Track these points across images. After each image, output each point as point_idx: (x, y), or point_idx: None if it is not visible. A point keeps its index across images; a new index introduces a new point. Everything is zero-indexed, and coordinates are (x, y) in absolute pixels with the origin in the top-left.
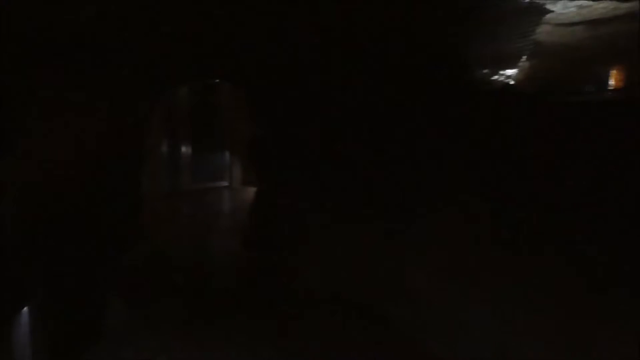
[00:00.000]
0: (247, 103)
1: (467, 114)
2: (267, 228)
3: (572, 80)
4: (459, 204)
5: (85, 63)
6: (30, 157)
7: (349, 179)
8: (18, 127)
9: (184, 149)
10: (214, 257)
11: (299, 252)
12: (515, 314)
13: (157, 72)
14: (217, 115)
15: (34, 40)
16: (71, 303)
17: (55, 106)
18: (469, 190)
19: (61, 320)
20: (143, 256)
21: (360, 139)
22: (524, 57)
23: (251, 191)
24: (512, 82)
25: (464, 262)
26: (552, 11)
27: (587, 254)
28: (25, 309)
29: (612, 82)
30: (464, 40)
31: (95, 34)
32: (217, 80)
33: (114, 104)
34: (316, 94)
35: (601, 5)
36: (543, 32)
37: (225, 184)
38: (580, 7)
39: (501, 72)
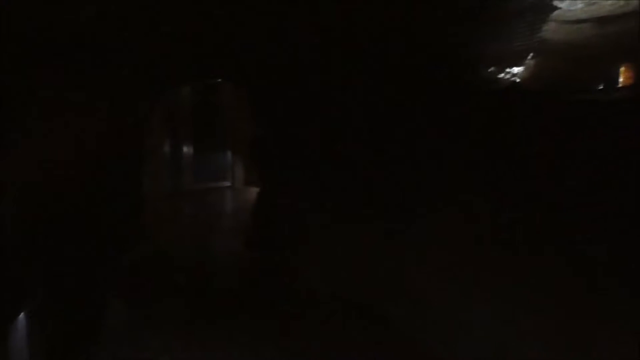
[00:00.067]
0: (247, 103)
1: (470, 113)
2: (269, 228)
3: (578, 79)
4: (459, 203)
5: (85, 63)
6: (30, 157)
7: (349, 179)
8: (18, 127)
9: (185, 149)
10: (215, 257)
11: (299, 252)
12: (515, 314)
13: (157, 72)
14: (219, 115)
15: (34, 40)
16: (71, 303)
17: (55, 106)
18: (469, 190)
19: (61, 321)
20: (145, 256)
21: (360, 139)
22: (530, 55)
23: (253, 191)
24: (517, 81)
25: (464, 262)
26: (559, 8)
27: (587, 254)
28: (25, 309)
29: (619, 80)
30: (467, 39)
31: (95, 34)
32: (219, 80)
33: (114, 104)
34: (316, 94)
35: (609, 2)
36: (549, 29)
37: (228, 184)
38: (588, 4)
39: (507, 70)
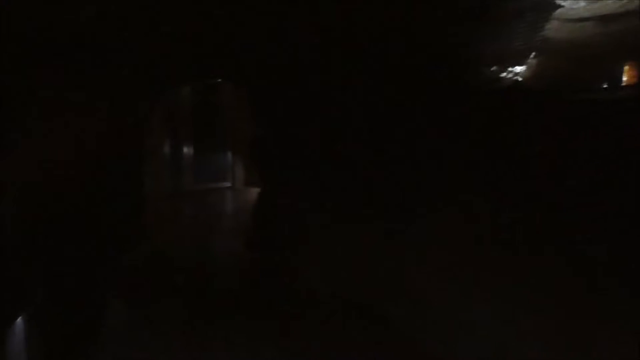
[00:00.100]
0: (247, 103)
1: (470, 112)
2: (269, 228)
3: (581, 78)
4: (459, 203)
5: (85, 63)
6: (30, 157)
7: (349, 179)
8: (18, 127)
9: (186, 149)
10: (216, 258)
11: (299, 252)
12: (515, 314)
13: (157, 72)
14: (219, 115)
15: (34, 40)
16: (71, 303)
17: (56, 106)
18: (469, 190)
19: (61, 320)
20: (145, 256)
21: (360, 138)
22: (532, 54)
23: (254, 192)
24: (519, 80)
25: (464, 262)
26: (561, 6)
27: (587, 254)
28: (25, 309)
29: (623, 79)
30: (467, 39)
31: (95, 34)
32: (219, 80)
33: (114, 104)
34: (316, 94)
35: (611, 0)
36: (552, 28)
37: (228, 184)
38: (590, 2)
39: (509, 69)
